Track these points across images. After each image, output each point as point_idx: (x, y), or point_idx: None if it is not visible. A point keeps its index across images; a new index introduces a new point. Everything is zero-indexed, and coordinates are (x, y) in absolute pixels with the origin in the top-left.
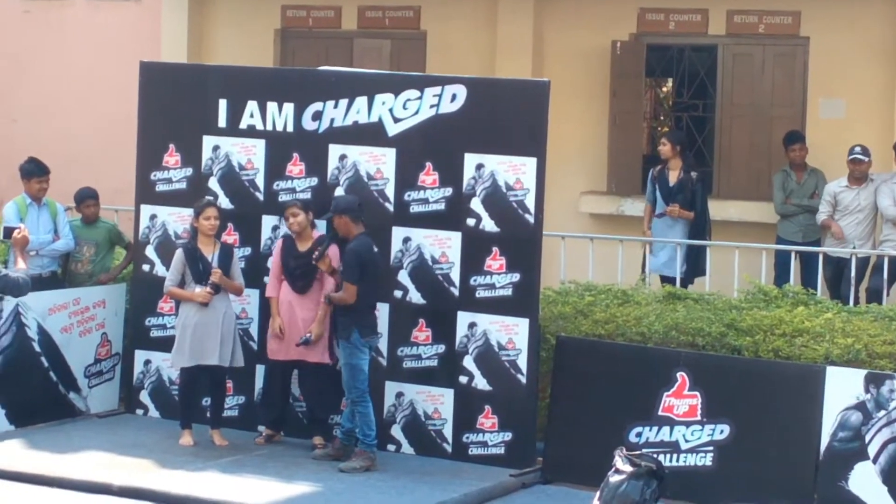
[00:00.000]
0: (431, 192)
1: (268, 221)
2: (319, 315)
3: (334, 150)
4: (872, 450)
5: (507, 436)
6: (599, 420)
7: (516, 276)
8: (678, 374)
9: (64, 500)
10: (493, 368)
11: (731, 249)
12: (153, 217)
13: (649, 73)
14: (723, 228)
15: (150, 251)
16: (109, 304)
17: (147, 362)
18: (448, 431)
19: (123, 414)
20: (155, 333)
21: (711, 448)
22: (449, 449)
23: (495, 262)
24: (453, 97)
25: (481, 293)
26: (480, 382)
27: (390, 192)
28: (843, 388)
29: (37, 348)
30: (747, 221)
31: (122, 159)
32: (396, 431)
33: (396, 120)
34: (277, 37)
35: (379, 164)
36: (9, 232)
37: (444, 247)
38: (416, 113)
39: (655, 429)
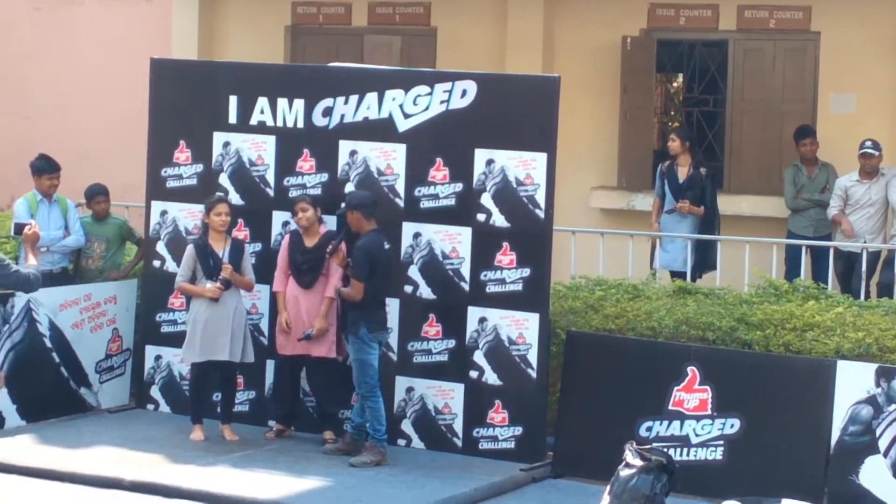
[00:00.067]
0: (442, 187)
1: (278, 217)
2: (322, 310)
3: (345, 146)
4: (883, 444)
5: (518, 430)
6: (610, 414)
7: (527, 271)
8: (688, 369)
9: (75, 495)
10: (504, 363)
11: (742, 244)
12: (164, 213)
13: (660, 68)
14: (734, 223)
15: (160, 247)
16: (120, 300)
17: (158, 358)
18: (458, 426)
19: (134, 409)
20: (166, 329)
21: (722, 442)
22: (459, 443)
23: (506, 257)
24: (463, 93)
25: (492, 288)
26: (491, 377)
27: (401, 187)
28: (853, 383)
29: (48, 344)
30: (758, 216)
31: (133, 156)
32: (407, 426)
33: (407, 116)
34: (288, 33)
35: (389, 159)
36: (20, 228)
37: (455, 242)
38: (427, 109)
39: (666, 423)
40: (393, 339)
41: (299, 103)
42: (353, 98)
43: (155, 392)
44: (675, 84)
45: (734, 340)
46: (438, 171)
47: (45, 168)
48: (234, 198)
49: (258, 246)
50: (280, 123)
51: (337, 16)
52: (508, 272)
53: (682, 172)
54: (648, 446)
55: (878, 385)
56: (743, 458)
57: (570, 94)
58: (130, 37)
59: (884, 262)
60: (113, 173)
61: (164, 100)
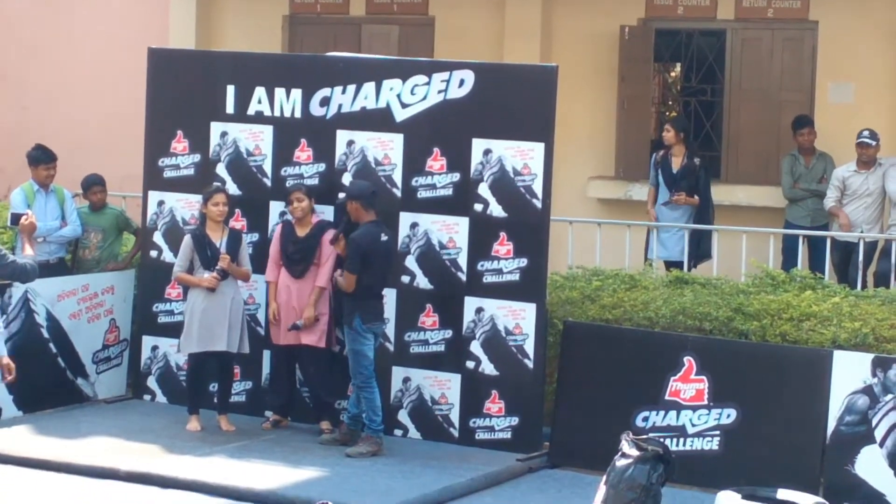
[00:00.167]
0: (439, 177)
1: (275, 207)
2: (312, 299)
3: (342, 136)
4: (879, 434)
5: (514, 420)
6: (606, 405)
7: (524, 262)
8: (685, 359)
9: (71, 486)
10: (501, 353)
11: (739, 234)
12: (161, 203)
13: (658, 57)
14: (731, 213)
15: (157, 237)
16: (118, 291)
17: (154, 348)
18: (455, 416)
19: (131, 399)
20: (163, 319)
21: (718, 432)
22: (456, 434)
23: (503, 247)
24: (461, 82)
25: (489, 278)
26: (487, 367)
27: (398, 177)
28: (850, 372)
29: (45, 334)
30: (755, 206)
31: (131, 145)
32: (403, 416)
33: (404, 105)
34: (285, 23)
35: (387, 149)
36: (16, 218)
37: (452, 232)
38: (424, 98)
39: (662, 413)
40: (390, 330)
41: (297, 93)
42: (351, 88)
43: (151, 382)
44: (672, 73)
45: (731, 330)
46: (436, 161)
47: (42, 158)
48: (232, 188)
49: (255, 236)
50: (277, 113)
51: (335, 5)
52: (505, 262)
53: (677, 163)
54: (645, 436)
55: (874, 375)
56: (739, 448)
57: (567, 84)
58: (128, 26)
59: (880, 252)
60: (110, 163)
61: (162, 90)
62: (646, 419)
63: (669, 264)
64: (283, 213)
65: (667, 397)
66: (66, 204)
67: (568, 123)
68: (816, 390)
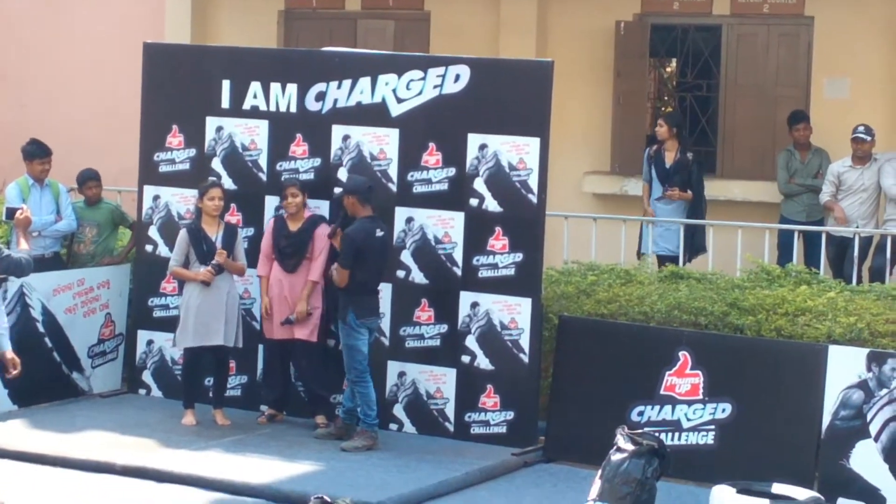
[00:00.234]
0: (434, 172)
1: (271, 202)
2: (304, 293)
3: (337, 131)
4: (874, 428)
5: (510, 415)
6: (601, 399)
7: (519, 256)
8: (680, 354)
9: (67, 480)
10: (496, 348)
11: (734, 229)
12: (156, 198)
13: (653, 53)
14: (726, 208)
15: (153, 232)
16: (113, 285)
17: (150, 342)
18: (450, 411)
19: (126, 394)
20: (158, 314)
21: (713, 427)
22: (451, 428)
23: (498, 242)
24: (457, 77)
25: (484, 273)
26: (483, 362)
27: (393, 172)
28: (845, 367)
29: (41, 329)
30: (751, 201)
31: (126, 140)
32: (399, 411)
33: (400, 100)
34: (281, 18)
35: (382, 144)
36: (11, 213)
37: (447, 227)
38: (420, 93)
39: (657, 408)
40: (385, 324)
41: (292, 88)
42: (347, 83)
43: (147, 377)
44: (668, 69)
45: (726, 325)
46: (431, 156)
47: (37, 153)
48: (227, 182)
49: (250, 231)
50: (273, 108)
51: (330, 0)
52: (501, 257)
53: (669, 157)
54: (640, 431)
55: (869, 370)
56: (734, 442)
57: (563, 79)
58: (124, 21)
59: (876, 248)
60: (105, 158)
61: (157, 84)
62: (641, 414)
63: (664, 259)
64: (278, 208)
65: (662, 392)
66: (60, 198)
67: (563, 119)
68: (811, 385)
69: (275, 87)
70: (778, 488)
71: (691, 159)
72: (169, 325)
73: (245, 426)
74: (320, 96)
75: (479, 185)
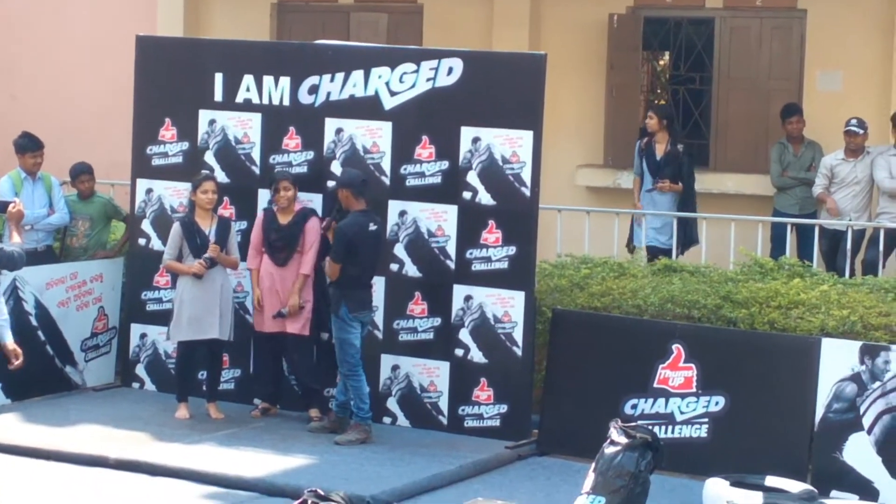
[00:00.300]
0: (428, 165)
1: (264, 195)
2: (296, 287)
3: (330, 124)
4: (867, 421)
5: (503, 408)
6: (595, 392)
7: (512, 250)
8: (674, 347)
9: (60, 473)
10: (489, 341)
11: (727, 222)
12: (149, 191)
13: (646, 46)
14: (719, 201)
15: (146, 225)
16: (107, 279)
17: (143, 336)
18: (444, 404)
19: (119, 387)
20: (151, 307)
21: (706, 420)
22: (444, 421)
23: (491, 235)
24: (450, 70)
25: (477, 266)
26: (476, 355)
27: (386, 165)
28: (838, 360)
29: (34, 322)
30: (744, 194)
31: (119, 133)
32: (392, 404)
33: (393, 93)
34: (274, 11)
35: (375, 137)
36: (3, 206)
37: (441, 220)
38: (413, 86)
39: (651, 401)
40: (378, 317)
41: (285, 81)
42: (339, 76)
43: (140, 370)
44: (661, 62)
45: (719, 318)
46: (424, 149)
47: (29, 146)
48: (220, 176)
49: (244, 224)
50: (266, 101)
51: None
52: (494, 250)
53: (660, 150)
54: (633, 424)
55: (862, 362)
56: (728, 435)
57: (556, 72)
58: (116, 14)
59: (868, 241)
60: (98, 151)
61: (150, 77)
62: (634, 407)
63: (655, 251)
64: (271, 202)
65: (655, 385)
66: (53, 192)
67: (556, 112)
68: (805, 378)
69: (268, 80)
70: (771, 481)
71: (682, 151)
72: (162, 318)
73: (238, 420)
74: (313, 89)
75: (472, 178)
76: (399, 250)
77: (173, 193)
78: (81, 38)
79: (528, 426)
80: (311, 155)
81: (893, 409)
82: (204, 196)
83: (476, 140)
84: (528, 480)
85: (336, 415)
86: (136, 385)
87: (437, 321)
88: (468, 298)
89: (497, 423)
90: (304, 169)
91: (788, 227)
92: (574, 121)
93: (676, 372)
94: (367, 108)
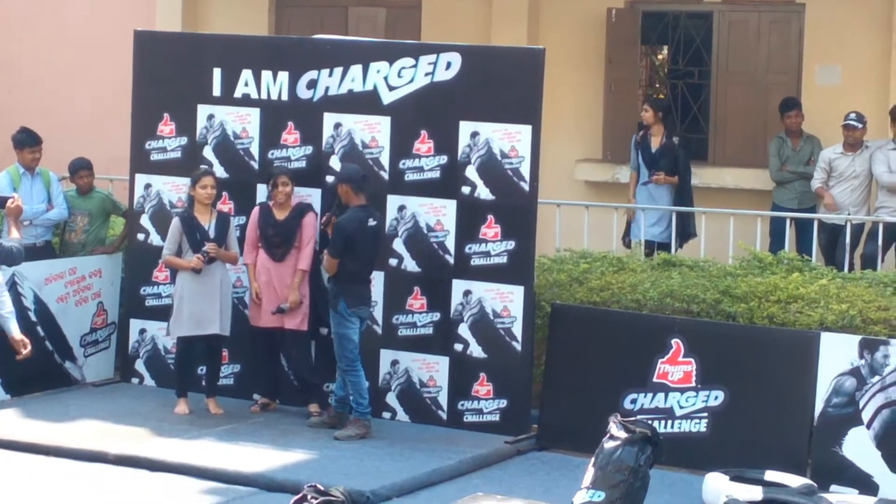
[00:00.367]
0: (426, 160)
1: (262, 190)
2: (294, 282)
3: (329, 119)
4: (866, 415)
5: (502, 403)
6: (594, 387)
7: (511, 244)
8: (673, 341)
9: (60, 469)
10: (488, 336)
11: (726, 216)
12: (148, 186)
13: (645, 40)
14: (718, 195)
15: (144, 220)
16: (106, 274)
17: (142, 331)
18: (443, 399)
19: (119, 383)
20: (150, 302)
21: (706, 414)
22: (444, 416)
23: (490, 229)
24: (448, 65)
25: (476, 261)
26: (475, 350)
27: (385, 160)
28: (837, 354)
29: (33, 318)
30: (743, 188)
31: (117, 128)
32: (391, 399)
33: (391, 88)
34: (272, 5)
35: (374, 132)
36: (2, 202)
37: (439, 215)
38: (411, 81)
39: (650, 395)
40: (378, 312)
41: (284, 76)
42: (338, 70)
43: (139, 366)
44: (660, 56)
45: (718, 313)
46: (423, 144)
47: (27, 141)
48: (219, 171)
49: (242, 219)
50: (264, 96)
51: None
52: (493, 245)
53: (655, 142)
54: (633, 418)
55: (861, 357)
56: (727, 430)
57: (554, 66)
58: (115, 9)
59: (867, 235)
60: (97, 146)
61: (148, 72)
62: (634, 401)
63: (658, 246)
64: (269, 197)
65: (655, 379)
66: (52, 187)
67: (555, 106)
68: (804, 372)
69: (266, 74)
70: (771, 475)
71: (677, 143)
72: (161, 313)
73: (238, 415)
74: (312, 84)
75: (471, 172)
76: (398, 245)
77: (172, 188)
78: (80, 35)
79: (527, 421)
80: (309, 150)
81: (893, 403)
82: (203, 191)
83: (475, 135)
84: (528, 475)
85: (335, 410)
86: (135, 380)
87: (437, 316)
88: (467, 293)
89: (496, 417)
90: (302, 164)
91: (787, 222)
92: (573, 115)
93: (676, 366)
94: (365, 102)
